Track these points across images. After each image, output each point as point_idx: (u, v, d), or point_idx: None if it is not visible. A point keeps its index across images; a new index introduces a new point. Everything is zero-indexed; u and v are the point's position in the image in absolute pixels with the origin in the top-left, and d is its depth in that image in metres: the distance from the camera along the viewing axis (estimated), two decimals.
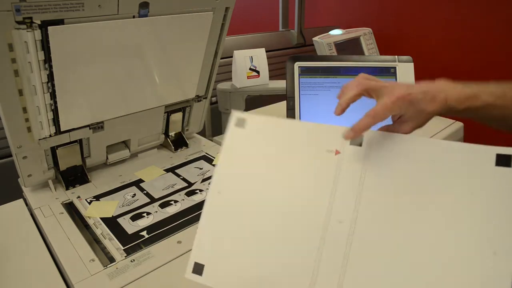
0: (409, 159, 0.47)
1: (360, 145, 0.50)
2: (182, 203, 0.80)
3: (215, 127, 1.43)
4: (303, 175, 0.50)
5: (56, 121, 0.76)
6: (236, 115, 0.53)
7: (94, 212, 0.76)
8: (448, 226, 0.44)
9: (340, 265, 0.44)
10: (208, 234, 0.48)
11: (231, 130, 0.52)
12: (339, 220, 0.46)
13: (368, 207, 0.46)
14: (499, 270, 0.40)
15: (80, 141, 0.85)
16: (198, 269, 0.47)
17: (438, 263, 0.42)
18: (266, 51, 1.13)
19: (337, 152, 0.50)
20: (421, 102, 0.48)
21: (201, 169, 0.95)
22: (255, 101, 1.38)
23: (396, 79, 0.86)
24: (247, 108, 1.24)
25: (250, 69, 1.09)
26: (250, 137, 0.52)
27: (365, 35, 1.36)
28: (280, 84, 1.12)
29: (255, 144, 0.52)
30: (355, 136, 0.48)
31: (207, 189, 0.85)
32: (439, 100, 0.48)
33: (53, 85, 0.71)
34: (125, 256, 0.64)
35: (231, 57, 1.10)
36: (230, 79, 1.15)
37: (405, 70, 0.86)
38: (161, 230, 0.71)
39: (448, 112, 0.49)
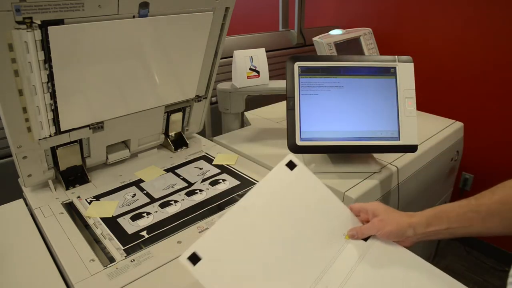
0: (396, 276, 0.57)
1: (366, 241, 0.62)
2: (182, 203, 0.80)
3: (215, 127, 1.43)
4: (313, 238, 0.59)
5: (56, 121, 0.76)
6: (290, 157, 0.62)
7: (94, 212, 0.76)
8: None
9: None
10: (218, 236, 0.52)
11: (280, 167, 0.61)
12: (326, 285, 0.55)
13: None
14: None
15: (80, 141, 0.85)
16: (194, 259, 0.49)
17: None
18: (266, 51, 1.12)
19: (347, 237, 0.62)
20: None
21: (201, 169, 0.95)
22: (255, 101, 1.38)
23: (396, 79, 0.86)
24: (247, 108, 1.24)
25: (250, 69, 1.09)
26: (293, 181, 0.61)
27: (365, 35, 1.36)
28: (280, 84, 1.12)
29: (294, 189, 0.61)
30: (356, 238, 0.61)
31: (207, 189, 0.85)
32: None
33: (53, 85, 0.71)
34: (125, 256, 0.64)
35: (231, 57, 1.10)
36: (230, 79, 1.15)
37: (405, 70, 0.86)
38: (161, 230, 0.71)
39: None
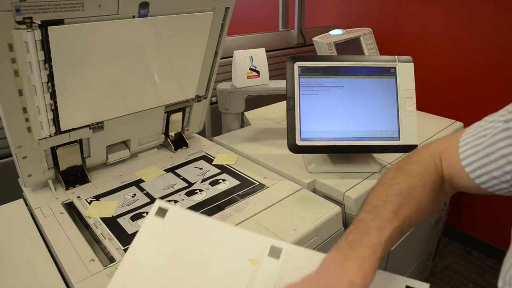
0: None
1: (278, 258, 0.51)
2: (182, 203, 0.80)
3: (215, 127, 1.43)
4: (218, 275, 0.50)
5: (56, 121, 0.76)
6: (158, 203, 0.53)
7: (94, 212, 0.76)
8: None
9: None
10: None
11: (150, 219, 0.52)
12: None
13: None
14: None
15: (80, 141, 0.85)
16: None
17: None
18: (266, 51, 1.12)
19: (254, 262, 0.51)
20: None
21: (201, 169, 0.95)
22: (255, 101, 1.38)
23: (396, 79, 0.86)
24: (247, 108, 1.24)
25: (250, 69, 1.09)
26: (170, 227, 0.52)
27: (365, 35, 1.36)
28: (280, 84, 1.12)
29: (175, 234, 0.52)
30: None
31: (207, 189, 0.85)
32: None
33: (53, 85, 0.71)
34: None
35: (231, 57, 1.10)
36: (230, 79, 1.15)
37: (405, 70, 0.86)
38: None
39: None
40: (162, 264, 0.51)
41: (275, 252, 0.51)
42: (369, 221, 0.43)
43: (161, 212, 0.53)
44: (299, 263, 0.50)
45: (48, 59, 0.67)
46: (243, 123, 1.29)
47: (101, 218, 0.75)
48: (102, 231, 0.71)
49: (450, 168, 0.49)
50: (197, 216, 0.54)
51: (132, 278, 0.49)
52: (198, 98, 1.03)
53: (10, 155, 0.78)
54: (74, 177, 0.87)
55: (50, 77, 0.70)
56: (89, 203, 0.80)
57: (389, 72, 0.87)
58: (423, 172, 0.49)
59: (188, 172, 0.93)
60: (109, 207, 0.78)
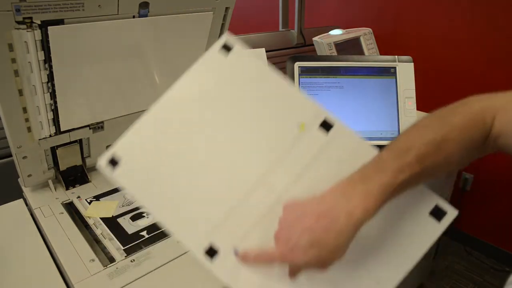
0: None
1: (327, 132, 0.48)
2: None
3: None
4: (258, 132, 0.48)
5: (56, 121, 0.76)
6: (225, 37, 0.50)
7: (94, 212, 0.76)
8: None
9: (248, 225, 0.45)
10: (142, 135, 0.47)
11: (214, 51, 0.50)
12: (270, 187, 0.46)
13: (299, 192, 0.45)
14: None
15: (80, 141, 0.85)
16: (114, 162, 0.46)
17: None
18: (266, 51, 1.12)
19: (302, 128, 0.48)
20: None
21: None
22: None
23: (396, 79, 0.86)
24: None
25: None
26: (231, 66, 0.50)
27: (365, 35, 1.36)
28: None
29: (233, 75, 0.50)
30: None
31: None
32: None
33: (53, 85, 0.71)
34: (125, 256, 0.64)
35: None
36: None
37: (405, 70, 0.86)
38: (161, 230, 0.71)
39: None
40: (205, 105, 0.48)
41: (326, 126, 0.48)
42: (390, 160, 0.42)
43: (225, 49, 0.50)
44: (342, 148, 0.47)
45: (48, 59, 0.67)
46: None
47: (101, 218, 0.75)
48: (102, 231, 0.71)
49: (505, 127, 0.44)
50: (261, 65, 0.50)
51: (171, 112, 0.48)
52: None
53: (10, 155, 0.78)
54: (74, 177, 0.87)
55: (50, 77, 0.70)
56: (89, 203, 0.80)
57: (389, 72, 0.87)
58: (465, 127, 0.44)
59: None
60: (109, 207, 0.78)
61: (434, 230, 0.46)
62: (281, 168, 0.47)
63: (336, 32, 1.27)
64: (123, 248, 0.66)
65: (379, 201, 0.39)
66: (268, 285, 0.44)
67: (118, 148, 0.46)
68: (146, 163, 0.46)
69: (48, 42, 0.64)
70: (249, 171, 0.46)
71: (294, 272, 0.43)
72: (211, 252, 0.44)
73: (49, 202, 0.79)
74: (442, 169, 0.44)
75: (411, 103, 0.86)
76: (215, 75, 0.50)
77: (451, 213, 0.46)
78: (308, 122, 0.48)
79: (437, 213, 0.46)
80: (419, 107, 0.88)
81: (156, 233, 0.70)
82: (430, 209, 0.46)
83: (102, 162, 0.46)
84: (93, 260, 0.62)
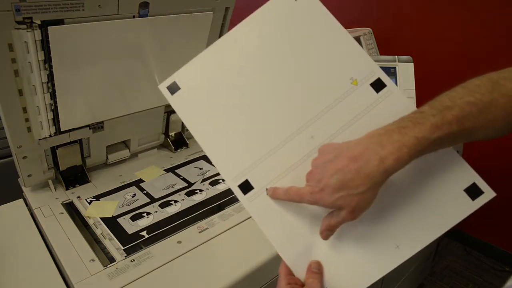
0: None
1: (377, 91, 0.49)
2: (182, 203, 0.80)
3: None
4: (311, 80, 0.50)
5: (56, 121, 0.76)
6: None
7: (94, 212, 0.76)
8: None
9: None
10: (202, 67, 0.51)
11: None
12: (311, 135, 0.48)
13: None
14: None
15: (80, 141, 0.85)
16: (173, 88, 0.51)
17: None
18: None
19: (354, 83, 0.49)
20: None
21: (201, 169, 0.95)
22: None
23: (396, 79, 0.86)
24: None
25: None
26: (295, 12, 0.51)
27: (365, 35, 1.36)
28: None
29: (296, 22, 0.51)
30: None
31: (207, 189, 0.85)
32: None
33: (53, 85, 0.71)
34: (125, 256, 0.64)
35: None
36: None
37: (405, 70, 0.86)
38: (161, 230, 0.71)
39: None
40: (266, 46, 0.50)
41: (377, 85, 0.49)
42: (430, 116, 0.41)
43: None
44: (390, 107, 0.48)
45: (48, 59, 0.67)
46: None
47: (101, 218, 0.75)
48: (102, 231, 0.71)
49: None
50: (327, 15, 0.51)
51: (246, 40, 0.51)
52: None
53: (10, 155, 0.78)
54: (74, 177, 0.87)
55: (50, 77, 0.70)
56: (89, 203, 0.80)
57: (389, 72, 0.87)
58: None
59: (188, 172, 0.93)
60: (109, 207, 0.78)
61: (466, 207, 0.44)
62: (326, 119, 0.48)
63: None
64: (123, 248, 0.66)
65: (412, 153, 0.39)
66: (295, 232, 0.46)
67: (179, 75, 0.50)
68: (201, 93, 0.50)
69: (48, 42, 0.64)
70: (296, 116, 0.49)
71: (327, 229, 0.43)
72: (247, 187, 0.47)
73: (49, 202, 0.79)
74: (484, 132, 0.43)
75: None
76: (281, 17, 0.52)
77: (488, 194, 0.45)
78: (361, 79, 0.49)
79: (473, 191, 0.45)
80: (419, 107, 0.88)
81: (156, 233, 0.70)
82: (466, 186, 0.45)
83: (162, 86, 0.51)
84: (93, 260, 0.62)
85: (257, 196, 0.47)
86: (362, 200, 0.40)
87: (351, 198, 0.39)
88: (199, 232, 0.70)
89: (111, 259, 0.63)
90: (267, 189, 0.47)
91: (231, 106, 0.49)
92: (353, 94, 0.49)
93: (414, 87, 0.86)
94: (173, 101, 0.50)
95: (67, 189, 0.85)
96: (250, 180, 0.47)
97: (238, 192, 0.47)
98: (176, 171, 0.94)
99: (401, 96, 0.49)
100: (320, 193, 0.41)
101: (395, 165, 0.39)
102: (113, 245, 0.67)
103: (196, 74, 0.50)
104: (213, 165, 0.95)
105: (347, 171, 0.39)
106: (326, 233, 0.44)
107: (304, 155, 0.48)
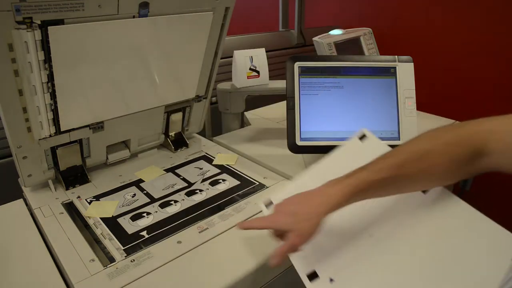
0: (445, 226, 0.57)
1: (425, 192, 0.58)
2: (182, 203, 0.80)
3: (215, 127, 1.43)
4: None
5: (56, 121, 0.76)
6: (364, 131, 0.67)
7: (94, 212, 0.76)
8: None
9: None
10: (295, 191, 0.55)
11: (353, 141, 0.66)
12: (370, 234, 0.56)
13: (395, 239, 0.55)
14: None
15: (80, 141, 0.85)
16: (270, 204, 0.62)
17: None
18: (266, 51, 1.12)
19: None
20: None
21: (201, 169, 0.95)
22: (255, 101, 1.38)
23: (396, 79, 0.86)
24: (247, 108, 1.24)
25: (250, 69, 1.09)
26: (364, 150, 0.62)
27: (365, 35, 1.36)
28: (280, 84, 1.12)
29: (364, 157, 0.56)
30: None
31: (207, 189, 0.85)
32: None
33: (53, 85, 0.71)
34: (125, 256, 0.64)
35: (231, 57, 1.09)
36: (230, 79, 1.15)
37: (405, 70, 0.86)
38: (161, 230, 0.71)
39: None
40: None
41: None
42: (374, 162, 0.50)
43: (362, 137, 0.62)
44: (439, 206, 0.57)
45: (48, 59, 0.67)
46: (243, 123, 1.29)
47: (101, 218, 0.75)
48: (102, 231, 0.71)
49: (494, 147, 0.47)
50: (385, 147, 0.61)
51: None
52: (198, 98, 1.03)
53: (10, 155, 0.78)
54: (74, 177, 0.87)
55: (50, 77, 0.70)
56: (89, 203, 0.80)
57: (389, 72, 0.87)
58: (452, 143, 0.49)
59: (188, 172, 0.93)
60: (109, 207, 0.78)
61: None
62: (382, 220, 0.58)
63: (336, 32, 1.27)
64: (123, 248, 0.66)
65: (353, 192, 0.48)
66: None
67: (277, 198, 0.57)
68: None
69: (48, 42, 0.64)
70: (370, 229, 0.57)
71: (276, 253, 0.49)
72: (312, 276, 0.53)
73: (49, 202, 0.79)
74: (425, 177, 0.50)
75: (411, 103, 0.85)
76: (354, 155, 0.63)
77: None
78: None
79: None
80: (419, 107, 0.88)
81: (156, 233, 0.70)
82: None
83: (261, 204, 0.62)
84: (93, 260, 0.62)
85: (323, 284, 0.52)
86: (305, 224, 0.47)
87: (297, 222, 0.48)
88: (199, 232, 0.70)
89: (111, 259, 0.63)
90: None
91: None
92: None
93: (414, 87, 0.86)
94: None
95: (67, 189, 0.85)
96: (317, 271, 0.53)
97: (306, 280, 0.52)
98: (176, 171, 0.94)
99: None
100: (276, 217, 0.51)
101: (336, 201, 0.48)
102: (113, 245, 0.67)
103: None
104: (212, 165, 0.95)
105: (298, 206, 0.50)
106: (275, 258, 0.49)
107: None
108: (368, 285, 0.52)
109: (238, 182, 0.88)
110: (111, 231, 0.71)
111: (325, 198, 0.47)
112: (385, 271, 0.53)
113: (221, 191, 0.84)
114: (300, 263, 0.53)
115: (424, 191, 0.58)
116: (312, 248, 0.53)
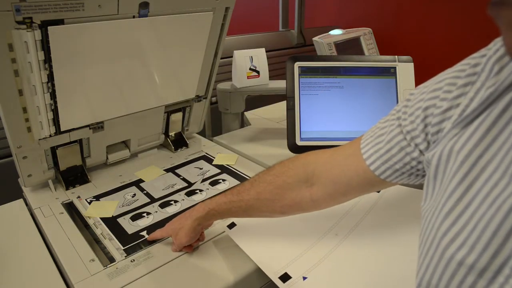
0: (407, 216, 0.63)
1: (378, 191, 0.66)
2: (182, 203, 0.80)
3: (215, 127, 1.43)
4: None
5: (56, 121, 0.76)
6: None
7: (94, 212, 0.76)
8: None
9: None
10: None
11: None
12: (335, 233, 0.63)
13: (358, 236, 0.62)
14: None
15: (80, 141, 0.85)
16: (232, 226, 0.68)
17: None
18: (266, 51, 1.12)
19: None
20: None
21: (201, 169, 0.95)
22: (255, 101, 1.38)
23: (396, 79, 0.86)
24: (247, 108, 1.24)
25: (250, 69, 1.09)
26: None
27: (365, 35, 1.36)
28: (280, 84, 1.12)
29: None
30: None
31: (207, 189, 0.85)
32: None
33: (53, 85, 0.71)
34: (125, 256, 0.64)
35: (231, 57, 1.10)
36: (230, 79, 1.15)
37: (405, 70, 0.86)
38: None
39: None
40: None
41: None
42: (224, 193, 0.62)
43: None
44: (391, 199, 0.67)
45: (48, 59, 0.67)
46: (243, 123, 1.29)
47: (101, 218, 0.75)
48: (102, 231, 0.71)
49: (317, 177, 0.54)
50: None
51: None
52: (198, 98, 1.03)
53: (10, 155, 0.78)
54: (74, 177, 0.87)
55: (50, 77, 0.70)
56: (89, 203, 0.80)
57: (389, 72, 0.87)
58: (281, 172, 0.58)
59: (188, 172, 0.93)
60: (109, 207, 0.78)
61: None
62: (344, 220, 0.66)
63: (336, 32, 1.27)
64: (123, 248, 0.66)
65: (210, 213, 0.61)
66: None
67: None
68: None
69: (48, 42, 0.64)
70: (326, 224, 0.66)
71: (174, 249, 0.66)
72: (285, 277, 0.56)
73: (49, 202, 0.79)
74: (260, 203, 0.58)
75: None
76: None
77: None
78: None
79: None
80: None
81: None
82: None
83: (226, 227, 0.69)
84: (93, 260, 0.62)
85: (296, 283, 0.55)
86: (183, 232, 0.62)
87: (174, 230, 0.64)
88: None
89: (111, 259, 0.63)
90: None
91: None
92: (361, 201, 0.69)
93: (414, 87, 0.86)
94: (234, 237, 0.65)
95: (67, 189, 0.85)
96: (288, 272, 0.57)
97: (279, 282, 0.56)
98: (176, 171, 0.94)
99: None
100: (165, 230, 0.67)
101: (197, 217, 0.61)
102: (113, 245, 0.67)
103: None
104: (212, 165, 0.96)
105: (175, 222, 0.65)
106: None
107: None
108: (339, 279, 0.55)
109: (238, 182, 0.88)
110: (111, 231, 0.71)
111: (193, 213, 0.62)
112: (353, 266, 0.57)
113: (221, 191, 0.84)
114: (270, 269, 0.57)
115: (378, 191, 0.67)
116: (280, 252, 0.60)
